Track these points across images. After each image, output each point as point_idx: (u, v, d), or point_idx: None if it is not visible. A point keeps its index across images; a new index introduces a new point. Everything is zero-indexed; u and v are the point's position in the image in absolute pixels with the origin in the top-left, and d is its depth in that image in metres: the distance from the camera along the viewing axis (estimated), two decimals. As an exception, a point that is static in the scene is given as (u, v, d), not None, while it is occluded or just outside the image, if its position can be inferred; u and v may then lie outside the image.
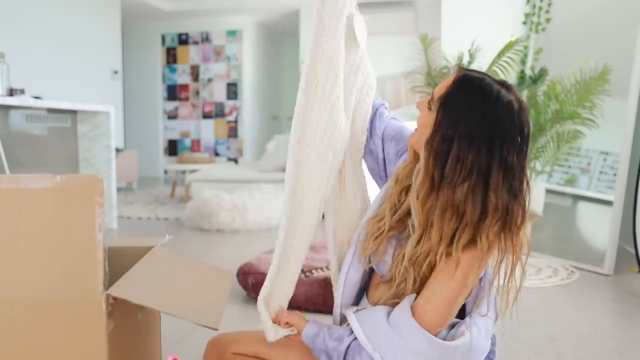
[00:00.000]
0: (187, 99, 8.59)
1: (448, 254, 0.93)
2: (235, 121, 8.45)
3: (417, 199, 0.94)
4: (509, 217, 0.92)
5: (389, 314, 0.96)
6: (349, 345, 0.97)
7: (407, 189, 1.05)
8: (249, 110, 8.49)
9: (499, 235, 0.92)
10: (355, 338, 0.97)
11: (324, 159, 1.09)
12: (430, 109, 0.99)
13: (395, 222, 1.03)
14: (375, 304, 1.05)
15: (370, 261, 1.08)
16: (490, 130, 0.90)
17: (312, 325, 1.05)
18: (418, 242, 0.95)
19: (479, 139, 0.90)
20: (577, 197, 3.26)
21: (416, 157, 1.03)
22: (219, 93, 8.47)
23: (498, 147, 0.90)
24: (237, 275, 2.42)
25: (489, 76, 0.96)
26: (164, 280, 1.16)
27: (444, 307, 0.93)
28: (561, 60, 3.45)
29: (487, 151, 0.90)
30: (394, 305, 0.98)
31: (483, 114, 0.91)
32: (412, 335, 0.91)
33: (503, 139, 0.90)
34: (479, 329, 0.96)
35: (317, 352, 1.02)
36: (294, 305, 2.25)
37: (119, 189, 6.39)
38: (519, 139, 0.92)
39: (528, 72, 3.58)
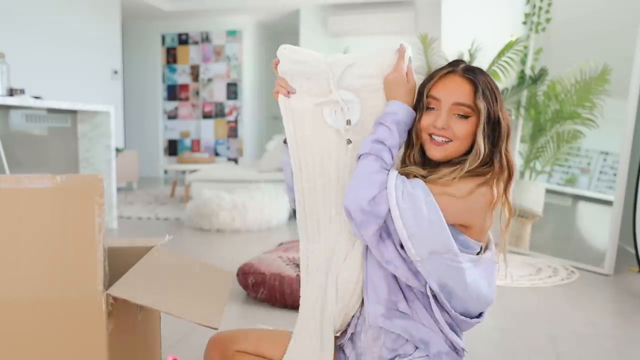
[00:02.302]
0: (187, 99, 8.59)
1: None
2: (235, 121, 8.45)
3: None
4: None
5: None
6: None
7: None
8: (249, 110, 8.49)
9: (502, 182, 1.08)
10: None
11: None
12: (464, 116, 1.06)
13: None
14: None
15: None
16: (500, 97, 1.08)
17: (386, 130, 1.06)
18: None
19: (502, 102, 1.08)
20: (577, 197, 3.26)
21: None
22: (219, 93, 8.47)
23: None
24: (237, 275, 2.42)
25: (462, 60, 1.13)
26: (164, 280, 1.16)
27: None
28: (561, 60, 3.45)
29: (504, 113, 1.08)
30: None
31: (496, 86, 1.08)
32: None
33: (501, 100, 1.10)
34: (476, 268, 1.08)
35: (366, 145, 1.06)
36: (294, 305, 2.26)
37: (119, 189, 6.39)
38: None
39: (528, 72, 3.58)
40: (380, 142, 1.04)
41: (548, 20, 3.54)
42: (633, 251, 3.19)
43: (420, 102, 1.09)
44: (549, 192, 3.40)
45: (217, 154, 8.50)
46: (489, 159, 1.06)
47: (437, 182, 1.04)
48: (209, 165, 6.00)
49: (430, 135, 1.07)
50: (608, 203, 3.03)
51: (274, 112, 9.42)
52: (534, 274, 2.95)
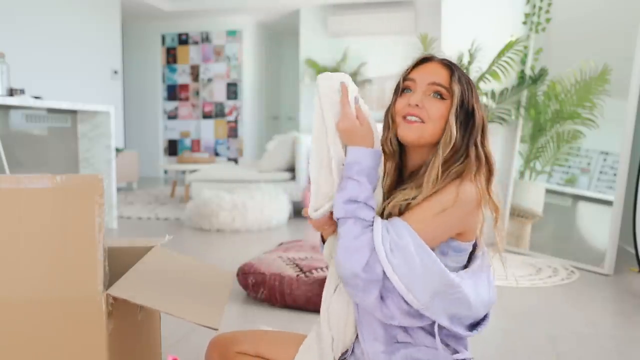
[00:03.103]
0: (187, 99, 8.60)
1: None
2: (235, 121, 8.46)
3: (440, 166, 1.03)
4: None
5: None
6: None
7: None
8: (249, 110, 8.49)
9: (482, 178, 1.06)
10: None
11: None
12: (439, 97, 1.05)
13: None
14: None
15: None
16: (475, 90, 1.09)
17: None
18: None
19: (478, 97, 1.07)
20: (577, 197, 3.26)
21: (397, 151, 1.12)
22: (219, 93, 8.48)
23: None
24: (237, 275, 2.42)
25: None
26: (164, 280, 1.16)
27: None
28: (561, 60, 3.45)
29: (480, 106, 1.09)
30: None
31: (471, 80, 1.09)
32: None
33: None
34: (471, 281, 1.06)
35: (339, 201, 1.01)
36: (294, 305, 2.26)
37: (119, 189, 6.39)
38: None
39: (528, 72, 3.58)
40: (353, 201, 0.99)
41: (548, 20, 3.54)
42: (633, 251, 3.19)
43: (397, 88, 1.10)
44: (549, 192, 3.40)
45: (217, 154, 8.50)
46: (464, 152, 1.04)
47: (422, 205, 1.01)
48: (209, 165, 5.99)
49: (404, 117, 1.06)
50: (608, 203, 3.03)
51: (273, 112, 9.43)
52: (534, 274, 2.95)
